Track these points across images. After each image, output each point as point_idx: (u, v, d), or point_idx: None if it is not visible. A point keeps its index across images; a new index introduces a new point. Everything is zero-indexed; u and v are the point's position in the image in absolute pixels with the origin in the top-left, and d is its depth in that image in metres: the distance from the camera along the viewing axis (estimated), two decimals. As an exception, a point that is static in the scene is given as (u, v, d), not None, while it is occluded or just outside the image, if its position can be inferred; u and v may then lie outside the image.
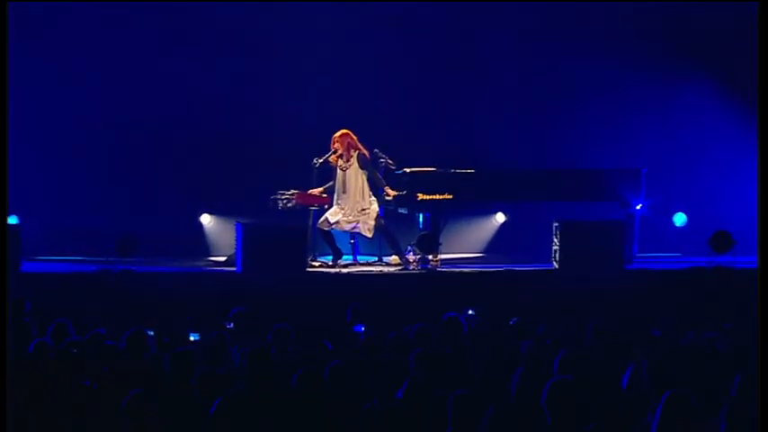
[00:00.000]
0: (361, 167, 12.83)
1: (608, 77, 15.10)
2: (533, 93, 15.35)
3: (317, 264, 12.92)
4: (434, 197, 12.91)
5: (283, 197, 12.86)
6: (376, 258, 13.34)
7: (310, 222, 12.94)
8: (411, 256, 12.93)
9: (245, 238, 12.25)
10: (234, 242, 12.81)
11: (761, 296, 8.26)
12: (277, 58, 14.89)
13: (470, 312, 10.59)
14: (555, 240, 12.84)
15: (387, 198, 12.98)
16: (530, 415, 6.14)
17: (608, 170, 13.52)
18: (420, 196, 12.90)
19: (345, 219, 12.79)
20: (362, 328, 9.26)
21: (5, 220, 10.68)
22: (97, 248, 12.54)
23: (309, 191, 12.95)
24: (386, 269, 12.87)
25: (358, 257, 13.22)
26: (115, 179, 14.61)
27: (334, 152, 12.85)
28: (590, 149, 14.82)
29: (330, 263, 12.96)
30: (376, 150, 13.09)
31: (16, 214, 13.03)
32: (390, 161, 13.16)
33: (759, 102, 10.65)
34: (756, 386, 6.34)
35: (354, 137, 12.89)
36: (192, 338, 9.12)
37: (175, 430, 6.56)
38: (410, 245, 13.05)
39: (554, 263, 12.82)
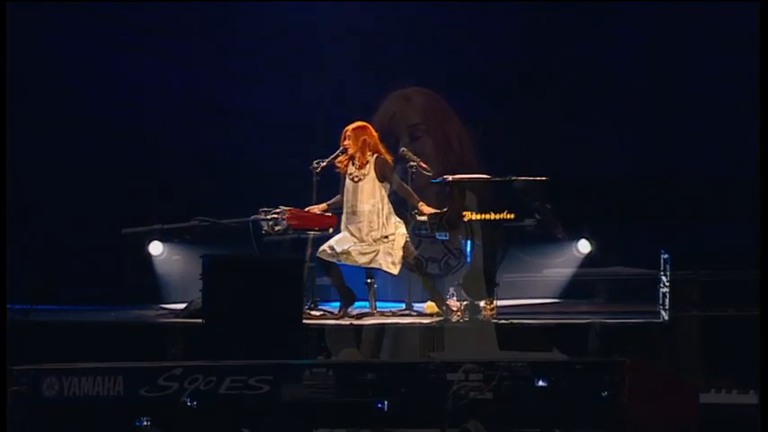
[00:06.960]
0: (381, 178, 12.82)
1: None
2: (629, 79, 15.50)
3: (317, 313, 12.91)
4: (488, 217, 12.87)
5: (269, 217, 12.85)
6: (403, 305, 13.32)
7: (309, 254, 12.95)
8: (454, 303, 12.88)
9: (214, 276, 12.20)
10: (198, 283, 12.79)
11: (761, 298, 9.32)
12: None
13: (540, 383, 10.57)
14: (663, 280, 12.76)
15: (419, 219, 12.95)
16: None
17: (746, 178, 13.37)
18: (467, 216, 12.87)
19: (359, 249, 12.76)
20: (384, 404, 9.25)
21: (5, 222, 10.99)
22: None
23: (307, 208, 12.96)
24: (418, 321, 12.81)
25: (377, 304, 13.19)
26: (35, 203, 14.78)
27: (344, 152, 12.83)
28: (700, 153, 14.83)
29: (337, 312, 12.93)
30: (403, 150, 13.11)
31: None
32: (424, 165, 13.20)
33: (759, 101, 11.17)
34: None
35: (374, 133, 12.92)
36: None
37: None
38: (453, 286, 13.03)
39: (662, 312, 12.74)
